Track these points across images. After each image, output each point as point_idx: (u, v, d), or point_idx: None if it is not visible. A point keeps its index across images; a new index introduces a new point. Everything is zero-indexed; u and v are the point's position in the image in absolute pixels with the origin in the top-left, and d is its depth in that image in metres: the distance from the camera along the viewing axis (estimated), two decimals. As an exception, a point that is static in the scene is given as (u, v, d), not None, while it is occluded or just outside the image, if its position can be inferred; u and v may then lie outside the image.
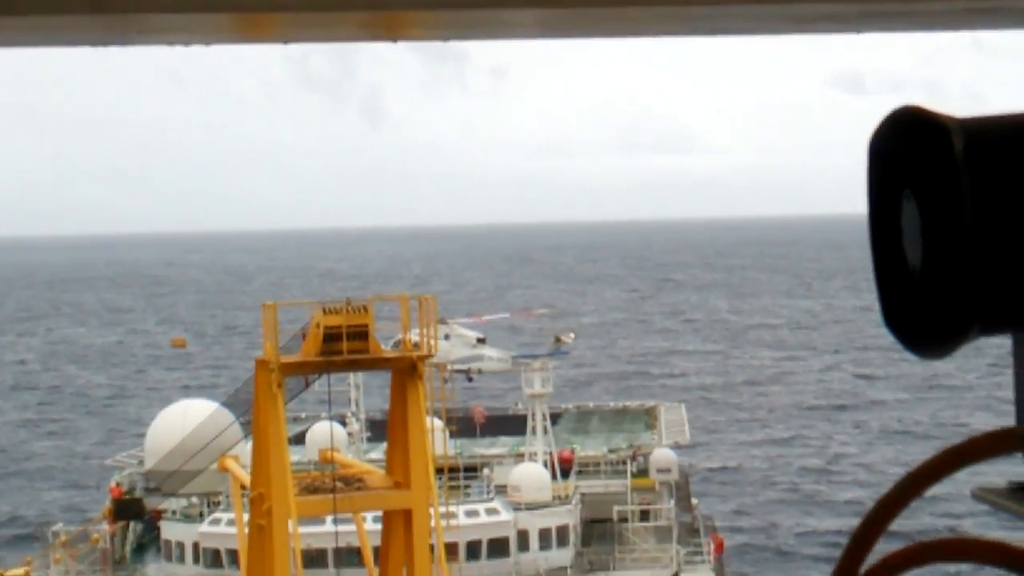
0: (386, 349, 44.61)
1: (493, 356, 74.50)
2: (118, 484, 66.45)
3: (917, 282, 2.26)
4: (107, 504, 64.12)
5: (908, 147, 2.27)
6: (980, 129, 2.26)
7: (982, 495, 2.80)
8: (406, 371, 41.47)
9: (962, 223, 2.21)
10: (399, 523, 41.84)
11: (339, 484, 41.56)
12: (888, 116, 2.31)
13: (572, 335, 74.01)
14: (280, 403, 40.82)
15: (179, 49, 3.40)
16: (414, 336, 42.55)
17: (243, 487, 47.41)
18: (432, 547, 41.74)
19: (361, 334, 41.21)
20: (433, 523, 41.62)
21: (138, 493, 65.69)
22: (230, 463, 51.58)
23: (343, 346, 40.89)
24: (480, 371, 74.16)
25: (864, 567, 2.41)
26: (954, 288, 2.22)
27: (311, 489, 42.07)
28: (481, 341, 75.21)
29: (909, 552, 2.42)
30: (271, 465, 40.40)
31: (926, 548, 2.42)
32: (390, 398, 43.44)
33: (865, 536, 2.38)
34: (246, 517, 44.51)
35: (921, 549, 2.42)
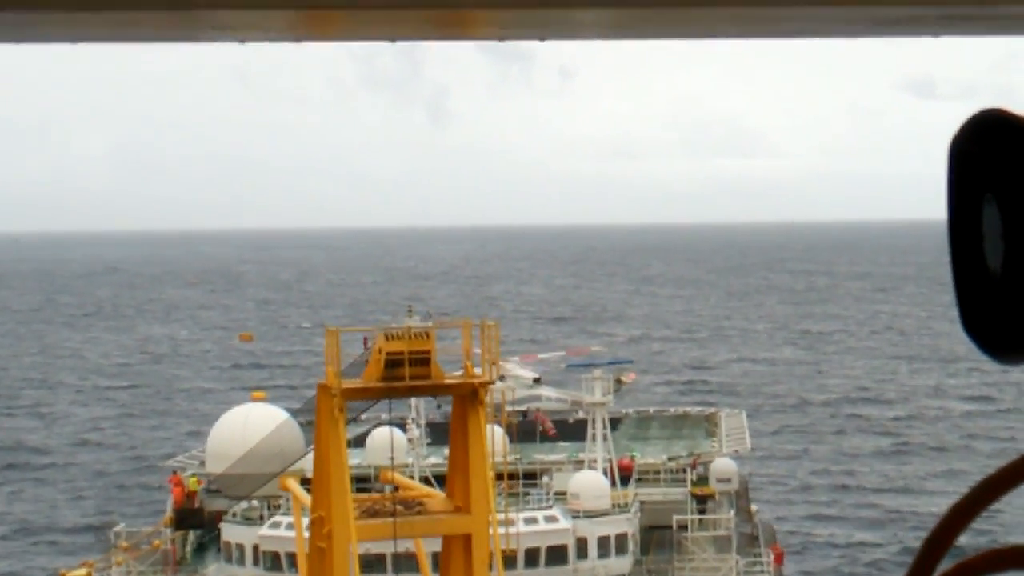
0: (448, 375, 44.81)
1: (551, 396, 74.66)
2: (176, 472, 67.51)
3: (997, 286, 2.24)
4: (168, 513, 65.15)
5: (990, 150, 2.25)
6: None
7: None
8: (467, 397, 41.75)
9: None
10: (459, 548, 41.91)
11: (399, 507, 41.71)
12: (970, 119, 2.30)
13: (633, 375, 74.07)
14: (341, 428, 41.36)
15: (245, 48, 3.46)
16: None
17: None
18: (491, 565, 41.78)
19: (423, 360, 41.51)
20: (491, 531, 41.62)
21: (199, 493, 66.51)
22: (291, 483, 52.10)
23: (405, 372, 41.23)
24: (538, 410, 74.49)
25: (936, 574, 2.37)
26: None
27: (371, 512, 42.25)
28: (537, 381, 75.35)
29: (983, 559, 2.37)
30: (332, 489, 40.81)
31: (1000, 554, 2.37)
32: (451, 422, 43.70)
33: (937, 543, 2.34)
34: (306, 535, 44.88)
35: (994, 555, 2.37)
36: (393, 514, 41.05)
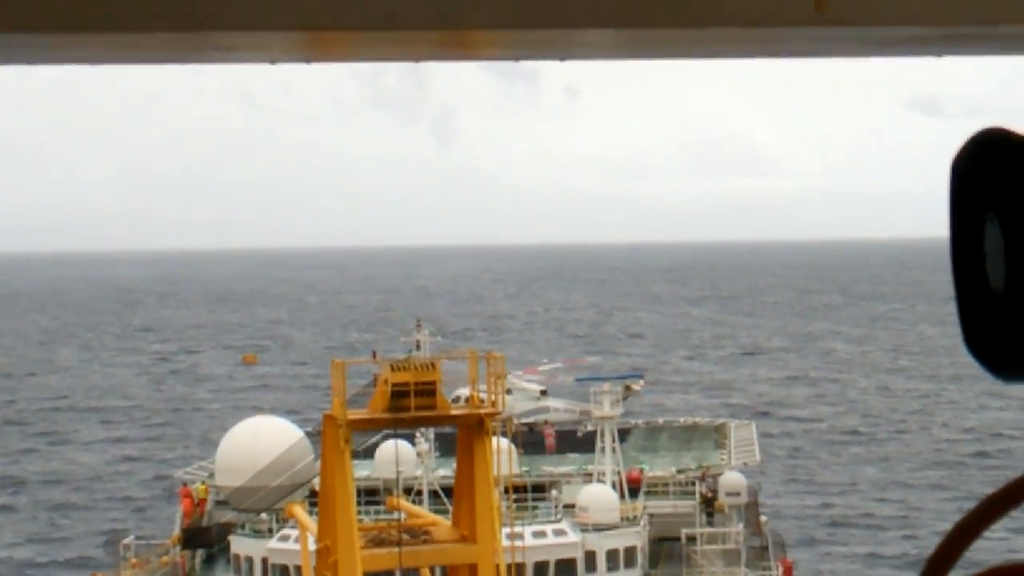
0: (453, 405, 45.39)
1: (559, 407, 74.67)
2: (186, 484, 68.11)
3: (999, 304, 2.23)
4: (176, 532, 65.39)
5: (992, 169, 2.24)
6: None
7: None
8: (473, 427, 42.37)
9: None
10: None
11: (405, 536, 42.14)
12: (972, 137, 2.29)
13: (642, 383, 74.22)
14: (347, 458, 41.87)
15: (251, 68, 3.49)
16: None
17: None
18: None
19: (429, 391, 42.17)
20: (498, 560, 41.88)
21: (209, 504, 66.74)
22: (296, 510, 52.34)
23: (411, 403, 41.89)
24: (547, 422, 74.54)
25: None
26: None
27: (377, 541, 42.69)
28: (544, 393, 75.34)
29: (988, 575, 2.35)
30: (338, 519, 41.22)
31: (1001, 572, 2.35)
32: (457, 453, 44.22)
33: (944, 557, 2.35)
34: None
35: (996, 573, 2.35)
36: (399, 543, 41.52)
